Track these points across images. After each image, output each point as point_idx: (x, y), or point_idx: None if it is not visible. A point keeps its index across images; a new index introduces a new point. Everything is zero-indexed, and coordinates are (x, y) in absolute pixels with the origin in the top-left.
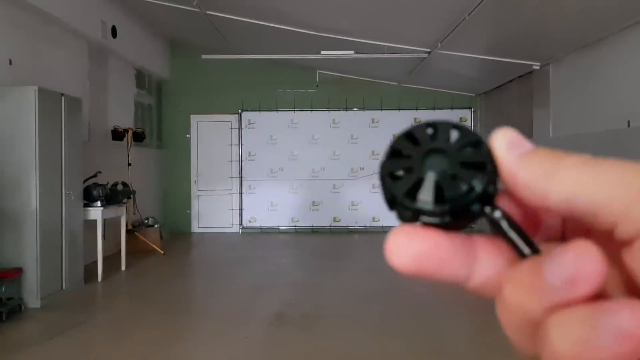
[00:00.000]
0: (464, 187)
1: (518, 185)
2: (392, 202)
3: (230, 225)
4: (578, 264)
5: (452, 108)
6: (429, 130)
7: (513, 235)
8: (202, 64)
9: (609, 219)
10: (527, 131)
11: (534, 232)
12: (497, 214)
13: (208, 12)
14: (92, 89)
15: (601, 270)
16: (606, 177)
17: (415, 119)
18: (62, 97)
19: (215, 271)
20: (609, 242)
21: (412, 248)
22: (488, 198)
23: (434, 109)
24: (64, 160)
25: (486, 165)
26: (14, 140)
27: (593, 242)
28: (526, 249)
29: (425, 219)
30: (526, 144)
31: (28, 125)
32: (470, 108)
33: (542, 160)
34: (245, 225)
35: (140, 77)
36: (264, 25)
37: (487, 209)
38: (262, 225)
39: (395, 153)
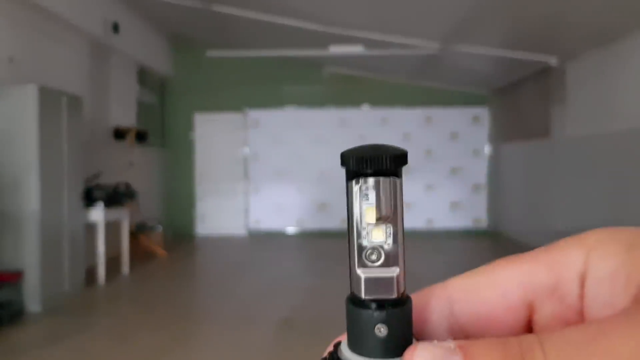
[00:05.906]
0: None
1: None
2: None
3: (236, 227)
4: None
5: (465, 105)
6: None
7: None
8: (207, 61)
9: None
10: (544, 130)
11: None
12: None
13: (212, 7)
14: (94, 87)
15: None
16: None
17: (427, 117)
18: (63, 96)
19: (220, 274)
20: None
21: None
22: None
23: (446, 106)
24: (65, 160)
25: None
26: (14, 140)
27: None
28: None
29: None
30: None
31: (28, 125)
32: (484, 105)
33: None
34: (250, 227)
35: (143, 75)
36: (270, 20)
37: None
38: (268, 227)
39: None
